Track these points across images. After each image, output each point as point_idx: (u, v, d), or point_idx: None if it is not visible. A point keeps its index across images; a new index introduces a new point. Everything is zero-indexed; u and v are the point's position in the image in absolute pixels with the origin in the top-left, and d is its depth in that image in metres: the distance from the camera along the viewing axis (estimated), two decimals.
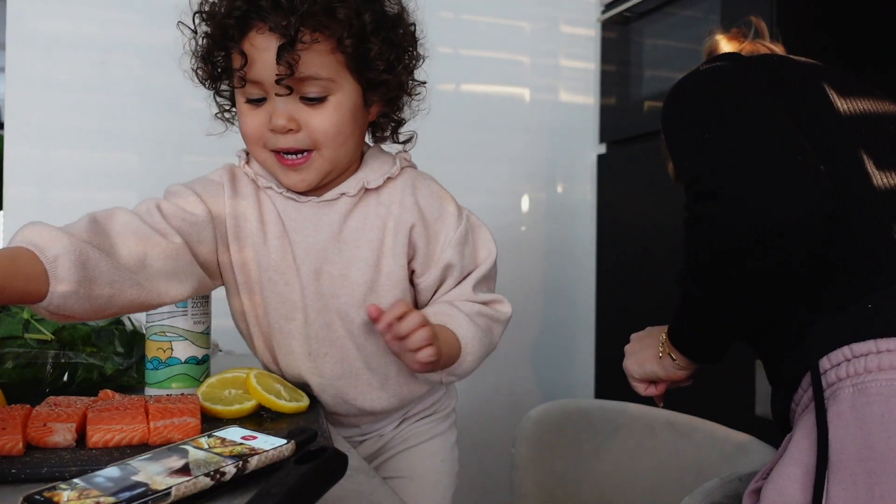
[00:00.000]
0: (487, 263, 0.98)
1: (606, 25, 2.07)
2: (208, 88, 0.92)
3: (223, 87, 0.93)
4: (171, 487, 0.55)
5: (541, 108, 2.08)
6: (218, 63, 0.88)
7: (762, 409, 1.45)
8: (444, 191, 0.98)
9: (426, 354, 0.83)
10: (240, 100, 0.88)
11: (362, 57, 0.85)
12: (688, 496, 0.90)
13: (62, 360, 0.95)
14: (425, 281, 0.95)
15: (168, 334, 0.94)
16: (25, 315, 0.96)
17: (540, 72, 2.08)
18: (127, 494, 0.54)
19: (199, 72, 0.90)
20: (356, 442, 1.04)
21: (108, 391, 0.85)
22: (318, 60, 0.83)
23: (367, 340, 0.94)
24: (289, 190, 0.91)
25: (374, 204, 0.93)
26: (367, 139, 0.98)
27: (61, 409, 0.74)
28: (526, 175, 2.03)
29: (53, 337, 0.95)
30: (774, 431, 0.85)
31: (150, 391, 0.94)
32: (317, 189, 0.92)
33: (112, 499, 0.53)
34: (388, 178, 0.93)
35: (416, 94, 0.95)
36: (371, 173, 0.93)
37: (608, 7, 2.03)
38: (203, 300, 0.97)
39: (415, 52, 0.92)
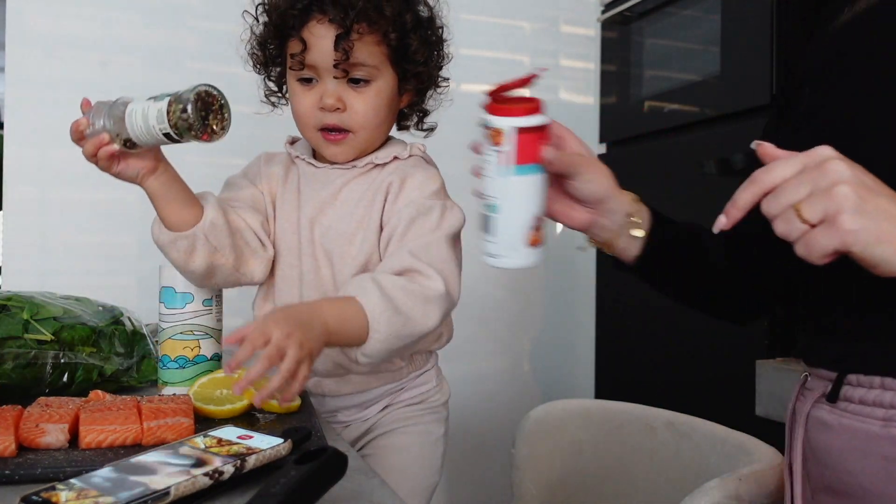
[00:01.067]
0: (439, 242, 0.95)
1: (606, 25, 2.07)
2: (259, 73, 1.05)
3: (272, 73, 1.05)
4: (170, 487, 0.55)
5: None
6: (271, 50, 1.01)
7: (762, 410, 1.45)
8: (437, 179, 1.03)
9: (259, 399, 0.74)
10: (293, 83, 1.00)
11: (403, 50, 0.98)
12: (688, 496, 0.90)
13: (62, 361, 0.95)
14: (382, 237, 1.00)
15: (196, 332, 0.96)
16: (25, 315, 0.96)
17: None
18: (126, 494, 0.54)
19: (254, 56, 1.03)
20: (341, 426, 1.08)
21: (99, 392, 0.85)
22: (366, 50, 0.96)
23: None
24: (322, 162, 1.05)
25: (375, 174, 1.03)
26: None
27: (53, 410, 0.74)
28: None
29: (53, 337, 0.95)
30: (774, 431, 0.86)
31: (172, 390, 0.94)
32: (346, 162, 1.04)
33: (111, 498, 0.53)
34: (396, 158, 1.03)
35: (442, 89, 1.07)
36: (383, 153, 1.04)
37: (608, 7, 2.03)
38: (219, 299, 0.99)
39: (443, 52, 1.05)
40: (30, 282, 1.61)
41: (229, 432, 0.67)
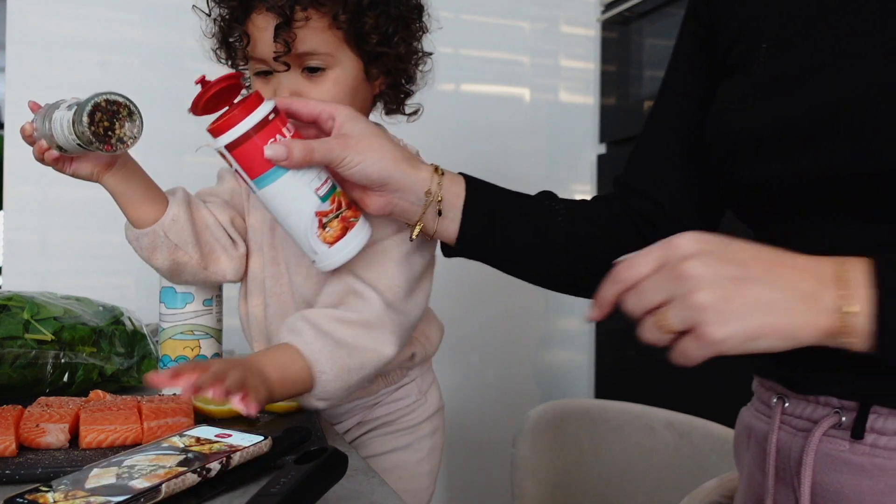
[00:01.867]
0: (387, 255, 0.88)
1: (606, 25, 2.07)
2: (231, 67, 0.96)
3: (242, 66, 0.96)
4: (160, 484, 0.55)
5: (541, 108, 2.08)
6: (234, 44, 0.92)
7: None
8: None
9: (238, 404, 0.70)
10: (253, 77, 0.92)
11: (359, 31, 0.87)
12: (688, 496, 0.90)
13: (62, 361, 0.95)
14: None
15: (196, 332, 0.96)
16: (26, 315, 0.96)
17: (540, 72, 2.08)
18: (115, 493, 0.53)
19: (219, 52, 0.95)
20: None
21: (99, 392, 0.85)
22: (316, 37, 0.85)
23: (305, 289, 0.94)
24: None
25: None
26: (380, 114, 0.99)
27: (53, 410, 0.74)
28: (526, 175, 2.03)
29: (53, 337, 0.95)
30: None
31: (172, 390, 0.94)
32: None
33: (101, 498, 0.53)
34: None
35: (422, 65, 0.95)
36: None
37: (608, 7, 2.03)
38: (220, 299, 0.99)
39: (419, 24, 0.93)
40: (30, 282, 1.62)
41: (205, 431, 0.67)
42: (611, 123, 2.06)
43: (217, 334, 0.98)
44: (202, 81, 0.73)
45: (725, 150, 0.70)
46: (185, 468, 0.58)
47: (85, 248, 1.68)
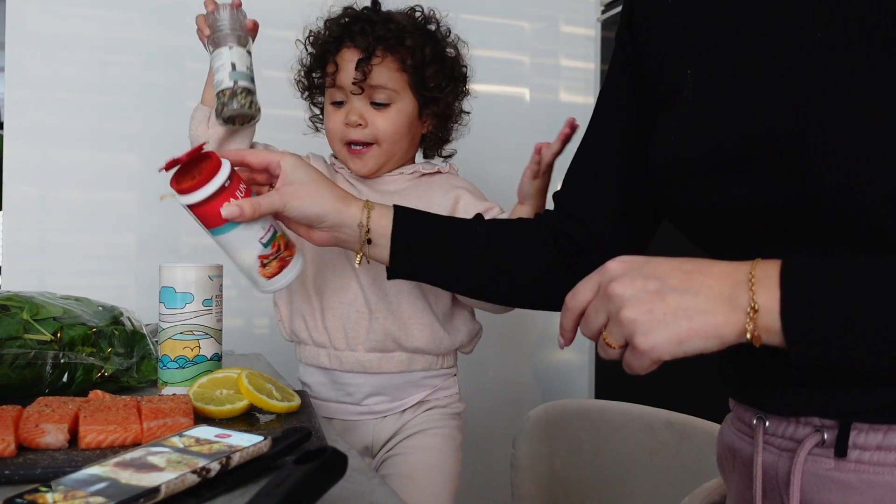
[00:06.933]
0: None
1: (606, 25, 2.07)
2: (305, 100, 1.22)
3: (317, 99, 1.22)
4: (160, 485, 0.55)
5: (541, 108, 2.08)
6: (315, 78, 1.18)
7: None
8: (467, 187, 1.20)
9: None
10: (327, 105, 1.17)
11: (420, 78, 1.13)
12: (688, 496, 0.90)
13: (62, 361, 0.95)
14: None
15: (196, 333, 0.96)
16: (25, 315, 0.96)
17: (540, 72, 2.08)
18: (115, 493, 0.53)
19: (300, 84, 1.20)
20: (379, 417, 1.18)
21: (99, 392, 0.85)
22: (386, 74, 1.11)
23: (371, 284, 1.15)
24: (353, 174, 1.19)
25: (413, 189, 1.18)
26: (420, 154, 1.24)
27: (53, 410, 0.74)
28: None
29: (53, 337, 0.95)
30: None
31: (172, 390, 0.94)
32: (372, 177, 1.18)
33: (101, 498, 0.52)
34: (424, 175, 1.19)
35: (460, 121, 1.24)
36: (424, 165, 1.21)
37: (608, 7, 2.03)
38: (219, 299, 0.99)
39: (463, 88, 1.22)
40: (30, 282, 1.61)
41: (205, 431, 0.67)
42: None
43: (217, 334, 0.98)
44: (171, 164, 0.88)
45: (666, 178, 0.72)
46: (184, 468, 0.58)
47: (84, 249, 1.68)
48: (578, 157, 0.90)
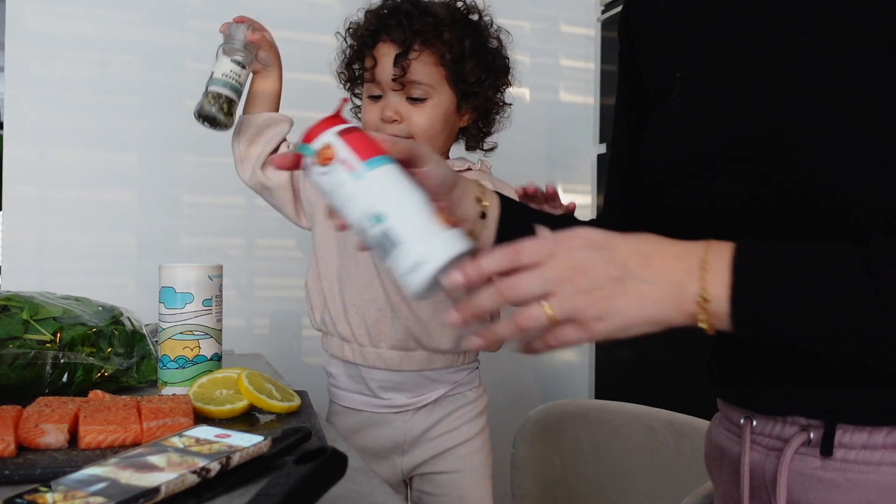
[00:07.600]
0: None
1: (606, 25, 2.07)
2: (346, 90, 1.22)
3: (357, 91, 1.21)
4: (160, 485, 0.55)
5: (541, 107, 2.08)
6: (355, 70, 1.18)
7: None
8: (499, 185, 1.18)
9: None
10: (365, 99, 1.17)
11: (458, 72, 1.11)
12: (688, 496, 0.90)
13: (62, 361, 0.95)
14: None
15: (195, 333, 0.96)
16: (25, 315, 0.96)
17: (540, 72, 2.08)
18: (115, 493, 0.53)
19: (342, 75, 1.20)
20: (402, 411, 1.19)
21: (99, 392, 0.84)
22: (423, 69, 1.10)
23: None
24: None
25: None
26: (460, 145, 1.23)
27: (53, 410, 0.74)
28: (525, 175, 2.03)
29: (53, 337, 0.95)
30: None
31: (172, 390, 0.94)
32: None
33: (100, 498, 0.52)
34: (469, 168, 1.19)
35: (502, 112, 1.23)
36: (456, 162, 1.20)
37: (608, 7, 2.03)
38: (219, 299, 0.99)
39: (505, 79, 1.21)
40: (30, 282, 1.61)
41: (205, 431, 0.67)
42: (611, 123, 2.05)
43: (217, 334, 0.98)
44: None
45: (656, 180, 0.73)
46: (184, 469, 0.58)
47: (84, 249, 1.68)
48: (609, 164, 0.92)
